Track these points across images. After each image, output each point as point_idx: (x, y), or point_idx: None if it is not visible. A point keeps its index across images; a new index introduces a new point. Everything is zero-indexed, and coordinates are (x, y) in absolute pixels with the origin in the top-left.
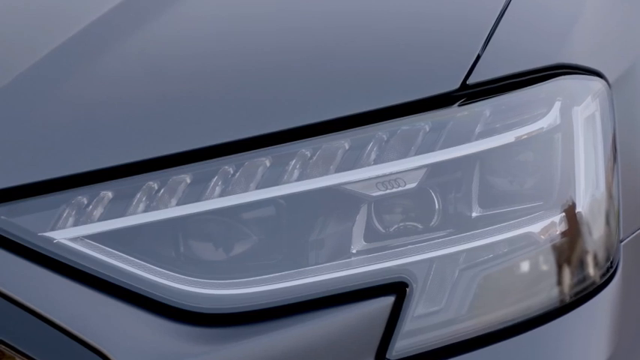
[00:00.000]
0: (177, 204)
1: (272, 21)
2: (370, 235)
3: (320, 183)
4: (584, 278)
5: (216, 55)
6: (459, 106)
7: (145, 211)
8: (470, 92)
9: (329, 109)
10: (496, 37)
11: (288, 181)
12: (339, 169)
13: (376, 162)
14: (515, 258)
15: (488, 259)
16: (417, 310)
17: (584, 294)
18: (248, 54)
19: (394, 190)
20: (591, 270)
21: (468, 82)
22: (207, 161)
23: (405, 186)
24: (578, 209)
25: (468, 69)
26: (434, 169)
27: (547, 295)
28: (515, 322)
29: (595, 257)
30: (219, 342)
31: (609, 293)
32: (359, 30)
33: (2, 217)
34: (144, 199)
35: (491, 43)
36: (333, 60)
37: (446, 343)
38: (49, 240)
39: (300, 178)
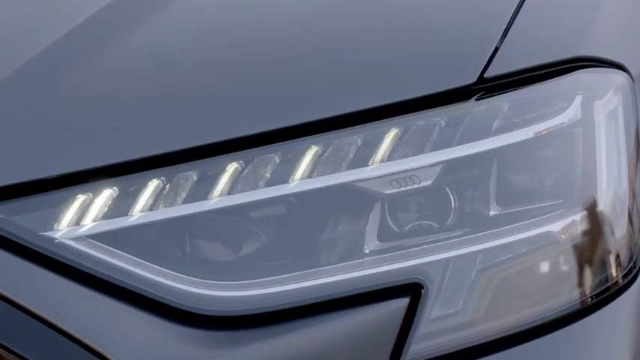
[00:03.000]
0: (184, 202)
1: (282, 12)
2: (384, 234)
3: (332, 180)
4: (606, 279)
5: (225, 48)
6: (476, 100)
7: (150, 209)
8: (487, 86)
9: (341, 104)
10: (515, 28)
11: (298, 179)
12: (352, 166)
13: (390, 158)
14: (534, 258)
15: (506, 260)
16: (432, 312)
17: (606, 295)
18: (257, 47)
19: (409, 187)
20: (613, 270)
21: (485, 76)
22: (215, 158)
23: (420, 183)
24: (599, 207)
25: (485, 62)
26: (450, 165)
27: (567, 296)
28: (535, 324)
29: (617, 257)
30: (227, 346)
31: (632, 294)
32: (372, 22)
33: (1, 215)
34: (149, 197)
35: (510, 34)
36: (345, 53)
37: (462, 347)
38: (50, 239)
39: (311, 176)
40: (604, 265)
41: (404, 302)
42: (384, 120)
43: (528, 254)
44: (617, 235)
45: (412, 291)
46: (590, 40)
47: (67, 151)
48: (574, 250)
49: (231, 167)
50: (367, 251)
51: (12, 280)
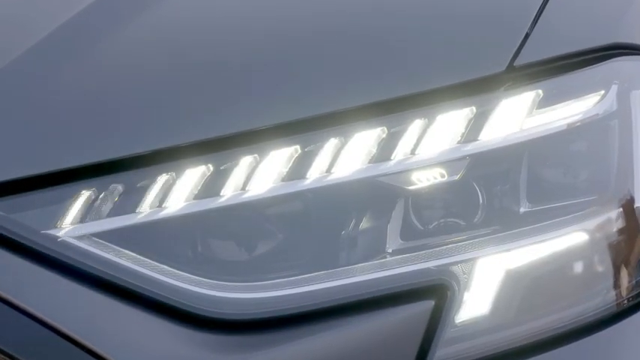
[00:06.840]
0: (195, 198)
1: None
2: (407, 232)
3: (352, 175)
4: None
5: (238, 36)
6: (506, 90)
7: (159, 206)
8: (517, 75)
9: (363, 94)
10: (546, 14)
11: (316, 173)
12: (374, 160)
13: (414, 152)
14: (567, 258)
15: (537, 260)
16: (458, 315)
17: None
18: (274, 35)
19: (434, 182)
20: None
21: (515, 64)
22: (227, 151)
23: (445, 178)
24: (637, 204)
25: (515, 49)
26: (478, 159)
27: (602, 299)
28: (568, 328)
29: None
30: (239, 351)
31: None
32: (397, 8)
33: (2, 213)
34: (157, 193)
35: (541, 21)
36: (368, 40)
37: (491, 352)
38: (53, 238)
39: (329, 170)
40: None
41: (429, 305)
42: (408, 110)
43: (561, 254)
44: None
45: (437, 293)
46: (626, 27)
47: (70, 145)
48: (609, 250)
49: (245, 161)
50: (390, 251)
51: (12, 280)
